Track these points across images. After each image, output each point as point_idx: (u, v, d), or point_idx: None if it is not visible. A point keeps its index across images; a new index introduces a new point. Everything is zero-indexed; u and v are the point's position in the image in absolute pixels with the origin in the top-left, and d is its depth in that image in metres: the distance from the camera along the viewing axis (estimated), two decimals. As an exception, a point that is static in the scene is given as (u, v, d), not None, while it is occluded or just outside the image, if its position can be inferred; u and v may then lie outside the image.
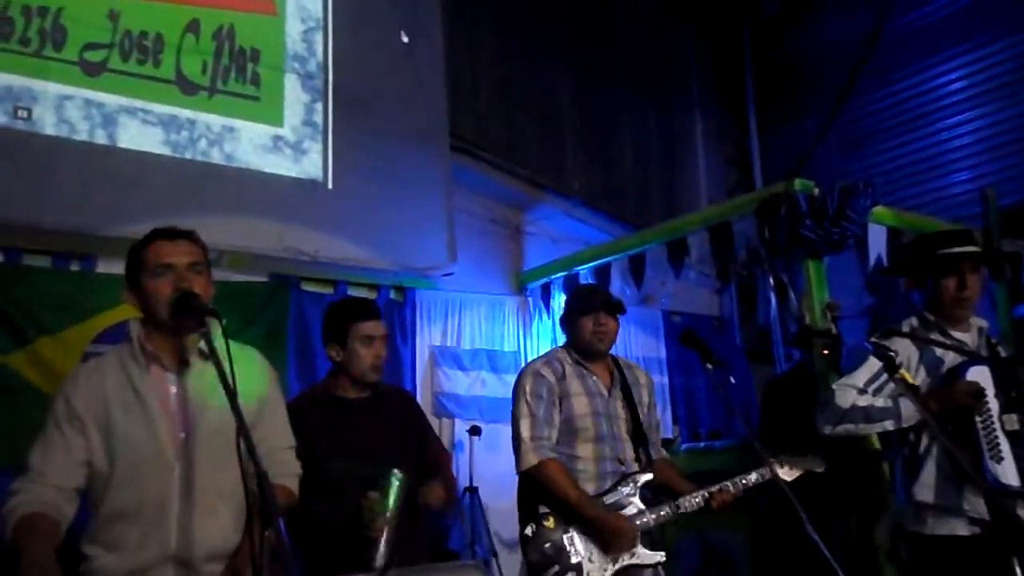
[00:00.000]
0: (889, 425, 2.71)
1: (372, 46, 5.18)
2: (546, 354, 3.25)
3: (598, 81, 6.99)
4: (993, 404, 2.65)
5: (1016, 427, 2.63)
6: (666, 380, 6.29)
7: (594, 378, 3.08)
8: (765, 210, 4.38)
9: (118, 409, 2.03)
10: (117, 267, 3.80)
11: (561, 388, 3.02)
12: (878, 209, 4.38)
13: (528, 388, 3.01)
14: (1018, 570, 2.48)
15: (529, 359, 5.58)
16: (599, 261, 5.41)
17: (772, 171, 7.39)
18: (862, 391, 2.75)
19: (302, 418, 2.40)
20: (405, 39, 5.28)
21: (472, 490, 4.85)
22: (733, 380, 6.12)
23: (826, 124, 6.78)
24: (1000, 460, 2.60)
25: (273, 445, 2.17)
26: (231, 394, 1.68)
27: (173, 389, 2.07)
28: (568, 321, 3.16)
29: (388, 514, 2.32)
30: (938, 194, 6.20)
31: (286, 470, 2.20)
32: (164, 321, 2.04)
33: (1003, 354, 2.87)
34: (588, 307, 3.08)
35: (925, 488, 2.70)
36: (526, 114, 6.46)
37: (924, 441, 2.74)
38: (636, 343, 6.21)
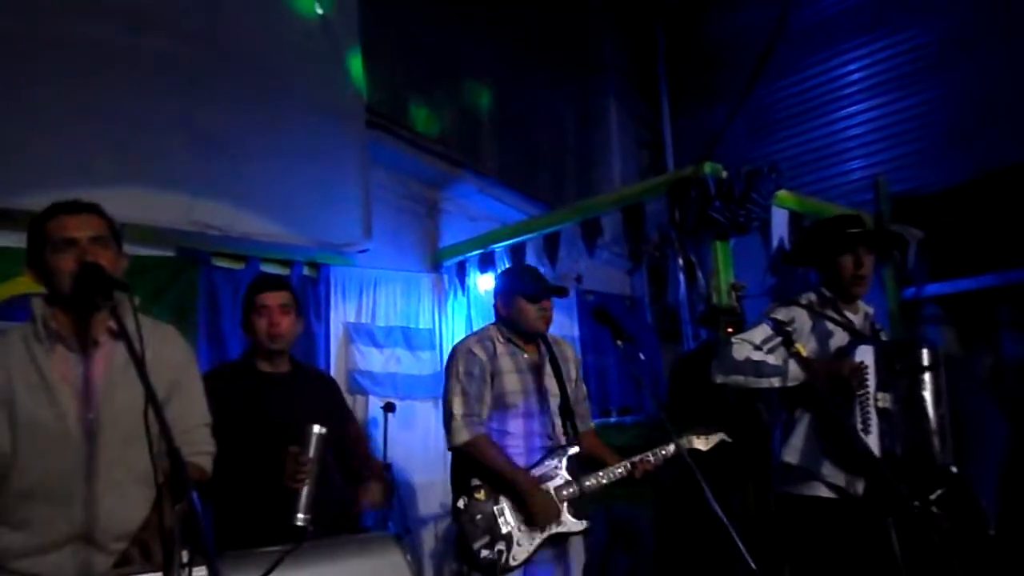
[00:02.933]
0: (776, 382, 2.90)
1: (286, 17, 5.05)
2: (478, 332, 3.33)
3: (515, 61, 7.02)
4: (871, 382, 2.86)
5: (887, 405, 2.87)
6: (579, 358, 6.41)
7: (525, 355, 3.20)
8: (676, 192, 4.49)
9: (22, 389, 1.98)
10: (11, 240, 3.67)
11: (493, 366, 3.12)
12: (781, 193, 4.55)
13: (460, 366, 3.10)
14: (893, 531, 2.70)
15: (443, 336, 5.66)
16: (514, 239, 5.46)
17: (684, 154, 7.58)
18: (757, 347, 2.92)
19: (218, 389, 2.39)
20: (320, 11, 5.17)
21: (386, 467, 4.85)
22: (643, 357, 6.29)
23: (734, 110, 6.97)
24: (868, 432, 2.82)
25: (188, 423, 2.15)
26: (140, 369, 1.65)
27: (80, 368, 2.03)
28: (509, 303, 3.23)
29: (308, 466, 2.35)
30: (836, 180, 6.47)
31: (199, 448, 2.19)
32: (69, 297, 1.99)
33: (884, 338, 3.11)
34: (535, 293, 3.17)
35: (792, 450, 2.93)
36: (443, 92, 6.43)
37: (799, 411, 2.95)
38: (550, 321, 6.29)
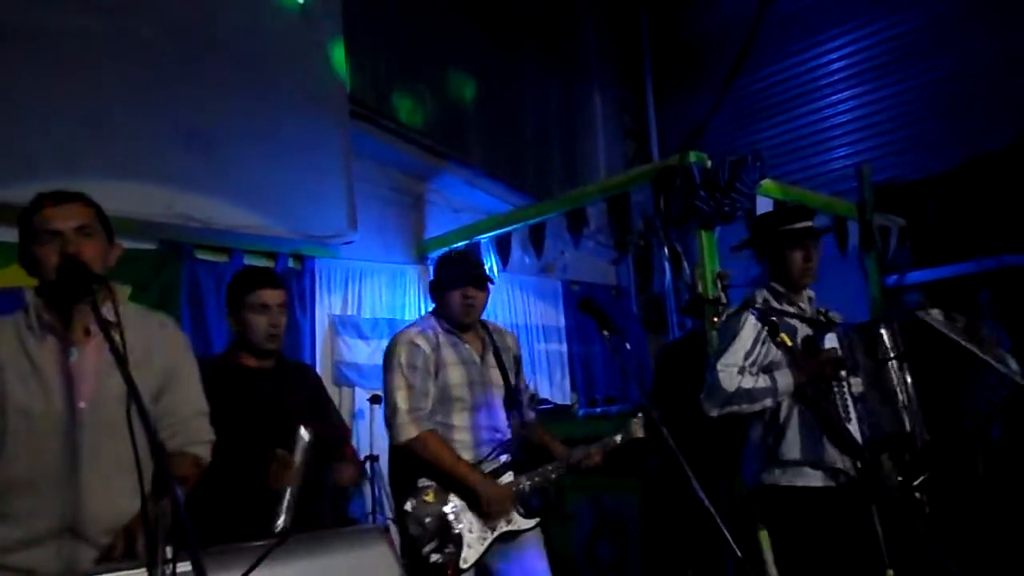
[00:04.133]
0: (769, 402, 2.88)
1: (269, 8, 5.01)
2: (418, 322, 3.17)
3: (499, 52, 6.99)
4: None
5: (861, 389, 2.91)
6: (565, 348, 6.43)
7: (467, 346, 3.06)
8: (661, 181, 4.49)
9: (13, 379, 1.97)
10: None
11: (436, 357, 2.97)
12: (765, 182, 4.56)
13: (404, 358, 2.95)
14: (876, 516, 2.72)
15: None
16: (500, 230, 5.45)
17: (669, 143, 7.58)
18: (741, 369, 2.90)
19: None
20: (301, 1, 5.13)
21: (373, 458, 4.85)
22: (629, 347, 6.30)
23: (718, 99, 6.98)
24: (849, 420, 2.86)
25: (184, 413, 2.14)
26: (121, 361, 1.64)
27: (71, 358, 2.01)
28: (436, 292, 3.12)
29: (294, 470, 2.34)
30: (819, 169, 6.49)
31: (197, 437, 2.17)
32: (52, 290, 1.98)
33: (839, 320, 3.13)
34: (456, 281, 3.04)
35: (791, 447, 2.89)
36: (427, 83, 6.40)
37: (785, 406, 2.93)
38: (536, 312, 6.31)
